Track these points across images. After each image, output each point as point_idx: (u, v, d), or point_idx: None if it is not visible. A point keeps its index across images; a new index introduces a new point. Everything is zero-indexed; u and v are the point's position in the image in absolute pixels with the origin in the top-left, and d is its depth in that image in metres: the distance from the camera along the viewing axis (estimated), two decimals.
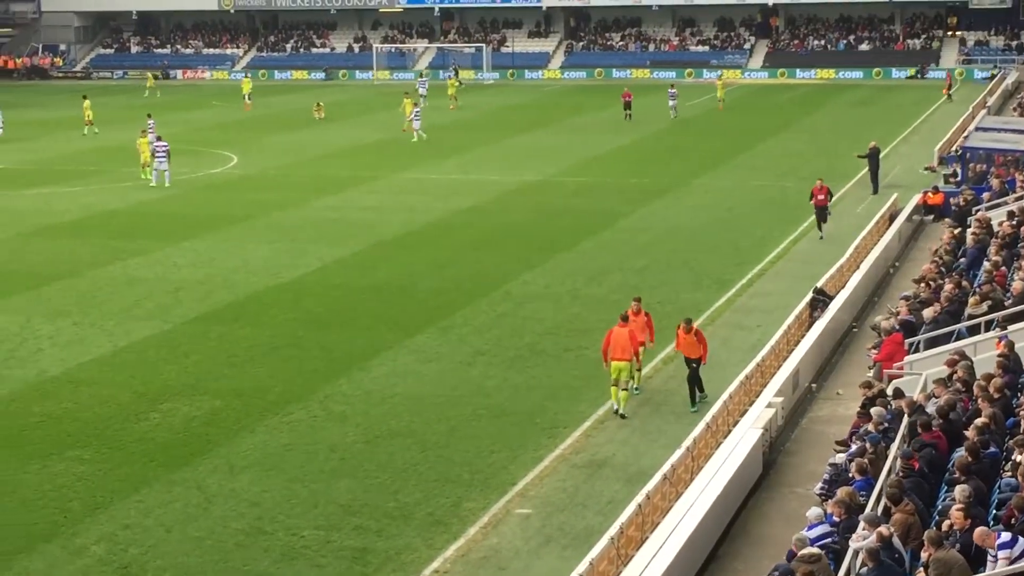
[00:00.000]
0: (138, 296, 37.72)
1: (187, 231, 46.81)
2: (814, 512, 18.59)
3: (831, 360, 30.70)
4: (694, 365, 27.40)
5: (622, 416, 27.00)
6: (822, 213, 43.75)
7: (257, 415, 27.52)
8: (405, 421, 27.02)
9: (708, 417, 24.19)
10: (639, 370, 28.42)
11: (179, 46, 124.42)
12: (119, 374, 30.59)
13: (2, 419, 27.65)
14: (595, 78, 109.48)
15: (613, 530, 19.17)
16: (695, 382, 27.49)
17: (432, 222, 48.16)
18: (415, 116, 71.30)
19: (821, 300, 32.66)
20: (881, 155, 53.99)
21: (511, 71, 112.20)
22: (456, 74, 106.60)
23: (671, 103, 78.79)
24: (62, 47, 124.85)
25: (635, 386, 28.12)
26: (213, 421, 27.24)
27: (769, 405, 25.09)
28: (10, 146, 71.86)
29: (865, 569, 15.83)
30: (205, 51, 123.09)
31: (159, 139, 58.12)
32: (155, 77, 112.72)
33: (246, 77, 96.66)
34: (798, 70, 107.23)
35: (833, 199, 44.74)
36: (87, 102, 77.11)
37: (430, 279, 39.33)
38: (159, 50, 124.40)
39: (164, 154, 56.46)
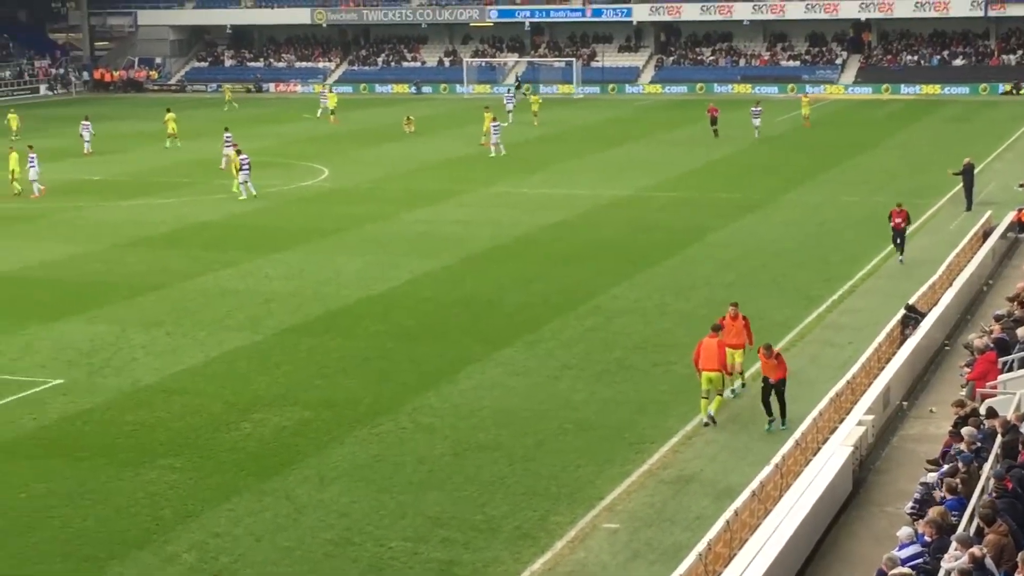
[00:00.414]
0: (230, 307, 38.12)
1: (279, 243, 47.24)
2: (905, 532, 18.42)
3: (923, 378, 30.39)
4: (779, 387, 27.19)
5: (713, 421, 27.26)
6: (900, 237, 42.80)
7: (347, 426, 27.72)
8: (493, 434, 27.09)
9: (797, 434, 24.04)
10: (741, 373, 29.30)
11: (272, 59, 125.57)
12: (211, 384, 30.94)
13: (97, 427, 28.05)
14: (686, 93, 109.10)
15: (701, 546, 19.10)
16: (778, 404, 27.30)
17: (521, 236, 48.25)
18: (494, 130, 71.41)
19: (913, 317, 32.36)
20: (975, 171, 53.38)
21: (607, 85, 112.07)
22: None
23: (755, 121, 77.05)
24: (157, 60, 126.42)
25: (740, 383, 29.28)
26: (303, 432, 27.46)
27: (859, 423, 24.88)
28: (105, 158, 72.89)
29: None
30: (297, 64, 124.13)
31: (239, 152, 58.68)
32: (248, 90, 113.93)
33: (331, 92, 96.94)
34: (891, 85, 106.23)
35: (912, 224, 43.90)
36: (171, 115, 77.94)
37: (518, 293, 39.42)
38: (252, 63, 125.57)
39: (246, 167, 57.07)
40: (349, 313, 37.35)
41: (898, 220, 42.55)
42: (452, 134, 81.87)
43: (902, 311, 32.82)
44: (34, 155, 59.71)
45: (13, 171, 59.55)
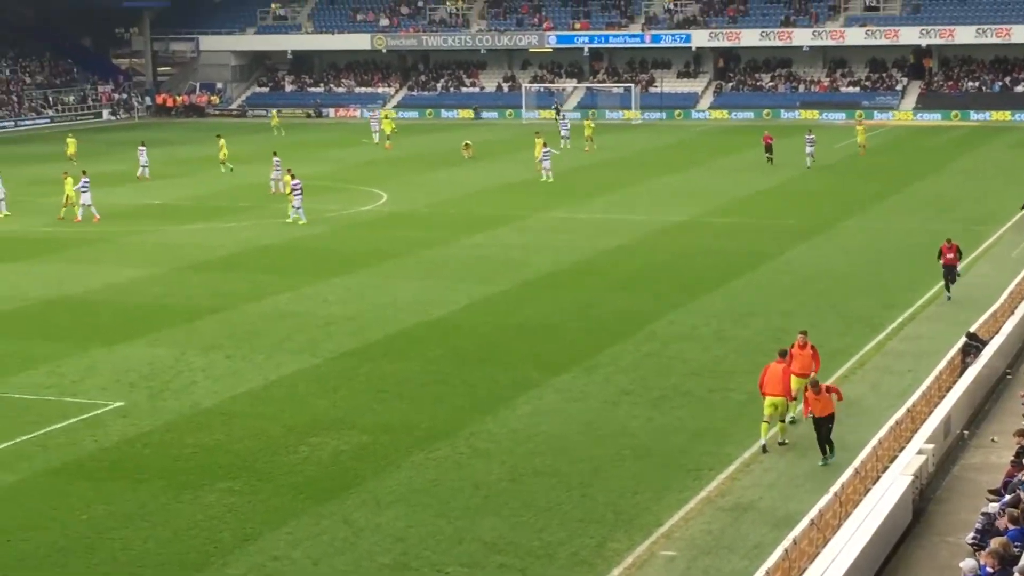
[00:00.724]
0: (289, 330, 38.32)
1: (338, 267, 47.47)
2: (968, 564, 18.25)
3: (984, 407, 30.12)
4: (826, 423, 26.65)
5: (782, 444, 27.69)
6: (950, 273, 40.99)
7: (404, 450, 27.78)
8: (550, 460, 27.07)
9: (856, 463, 23.87)
10: (795, 399, 28.91)
11: (332, 85, 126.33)
12: (269, 407, 31.11)
13: (157, 449, 28.25)
14: (747, 119, 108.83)
15: (759, 575, 19.00)
16: (826, 440, 26.85)
17: (578, 261, 48.27)
18: (544, 156, 71.40)
19: (974, 345, 32.10)
20: None
21: (667, 110, 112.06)
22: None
23: (808, 149, 75.38)
24: (219, 85, 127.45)
25: (792, 416, 28.76)
26: (361, 455, 27.55)
27: (920, 452, 24.69)
28: (166, 182, 73.50)
29: None
30: (357, 90, 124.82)
31: (292, 176, 58.91)
32: (308, 115, 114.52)
33: (386, 117, 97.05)
34: (952, 111, 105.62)
35: (975, 251, 43.05)
36: (222, 141, 78.42)
37: (576, 318, 39.41)
38: (312, 88, 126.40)
39: (299, 192, 57.47)
40: (407, 337, 37.46)
41: (949, 256, 40.81)
42: (510, 159, 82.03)
43: (963, 339, 32.57)
44: (87, 180, 60.16)
45: (68, 196, 60.10)
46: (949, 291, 41.10)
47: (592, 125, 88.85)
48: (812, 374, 28.77)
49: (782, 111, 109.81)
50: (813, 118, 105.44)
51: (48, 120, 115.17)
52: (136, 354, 35.98)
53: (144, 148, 76.53)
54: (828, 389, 26.74)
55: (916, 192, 65.11)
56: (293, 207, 57.58)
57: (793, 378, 28.23)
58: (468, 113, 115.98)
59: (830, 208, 59.87)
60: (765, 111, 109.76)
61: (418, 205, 63.26)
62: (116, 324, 39.56)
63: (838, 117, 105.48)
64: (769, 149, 76.82)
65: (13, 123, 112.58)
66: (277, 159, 68.05)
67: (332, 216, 59.78)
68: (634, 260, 48.50)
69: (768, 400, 27.38)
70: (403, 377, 33.39)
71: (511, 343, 36.75)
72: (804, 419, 27.73)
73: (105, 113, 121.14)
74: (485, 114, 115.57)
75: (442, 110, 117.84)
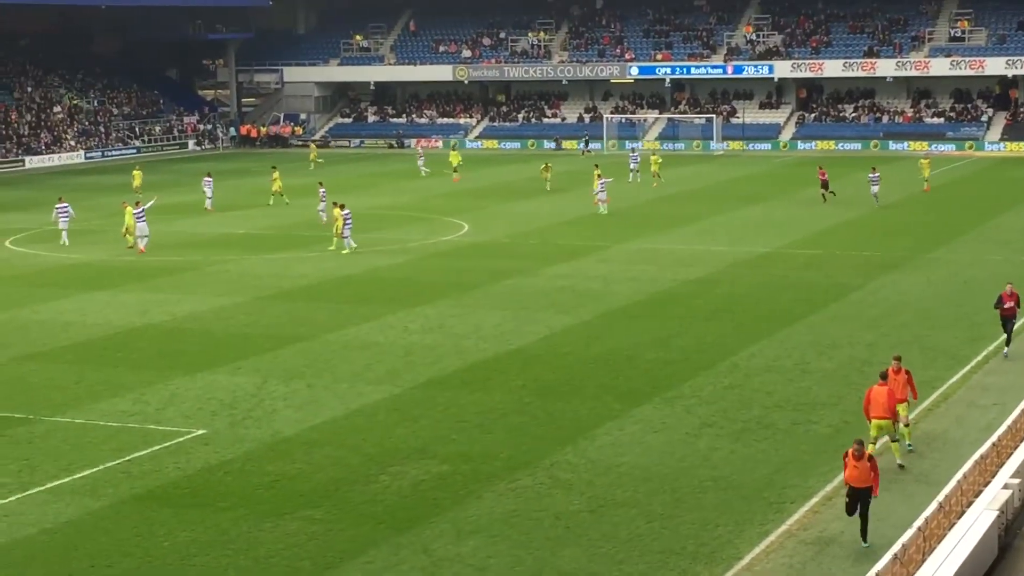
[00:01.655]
0: (369, 360, 38.49)
1: (419, 297, 47.65)
2: None
3: None
4: (865, 498, 24.13)
5: (900, 467, 27.97)
6: (1008, 325, 37.14)
7: (484, 481, 27.78)
8: (630, 491, 26.97)
9: (941, 497, 23.56)
10: (907, 425, 29.12)
11: (414, 115, 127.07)
12: (350, 436, 31.23)
13: (238, 477, 28.43)
14: (829, 150, 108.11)
15: None
16: (865, 518, 24.32)
17: (659, 292, 48.15)
18: (601, 188, 70.97)
19: None
20: None
21: (748, 141, 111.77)
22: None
23: (873, 189, 71.62)
24: (302, 116, 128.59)
25: (908, 443, 29.00)
26: (441, 485, 27.57)
27: (1006, 486, 24.34)
28: (250, 212, 74.22)
29: None
30: (439, 120, 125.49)
31: (342, 207, 59.12)
32: (390, 145, 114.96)
33: (454, 150, 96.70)
34: None
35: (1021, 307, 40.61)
36: (276, 172, 78.60)
37: (656, 349, 39.28)
38: (395, 119, 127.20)
39: (349, 221, 58.30)
40: (487, 367, 37.50)
41: (1009, 304, 36.87)
42: (590, 189, 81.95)
43: None
44: (142, 209, 60.50)
45: (128, 227, 60.73)
46: (1008, 346, 37.42)
47: (659, 160, 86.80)
48: (913, 398, 29.18)
49: (865, 143, 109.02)
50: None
51: (135, 151, 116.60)
52: (218, 382, 36.28)
53: (211, 179, 77.09)
54: (871, 460, 24.30)
55: (1003, 224, 64.37)
56: (343, 237, 58.10)
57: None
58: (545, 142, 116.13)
59: (915, 239, 59.35)
60: (849, 141, 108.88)
61: (499, 235, 63.40)
62: (199, 352, 39.92)
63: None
64: (826, 185, 73.48)
65: (101, 153, 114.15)
66: (323, 190, 68.51)
67: (414, 246, 60.04)
68: (716, 291, 48.30)
69: (874, 423, 27.86)
70: (483, 407, 33.41)
71: (591, 374, 36.69)
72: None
73: (191, 144, 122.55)
74: (567, 143, 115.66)
75: (517, 141, 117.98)
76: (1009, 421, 28.41)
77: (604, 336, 41.23)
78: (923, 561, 21.19)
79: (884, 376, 28.39)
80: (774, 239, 60.09)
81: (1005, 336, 37.43)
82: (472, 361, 38.18)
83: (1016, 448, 26.92)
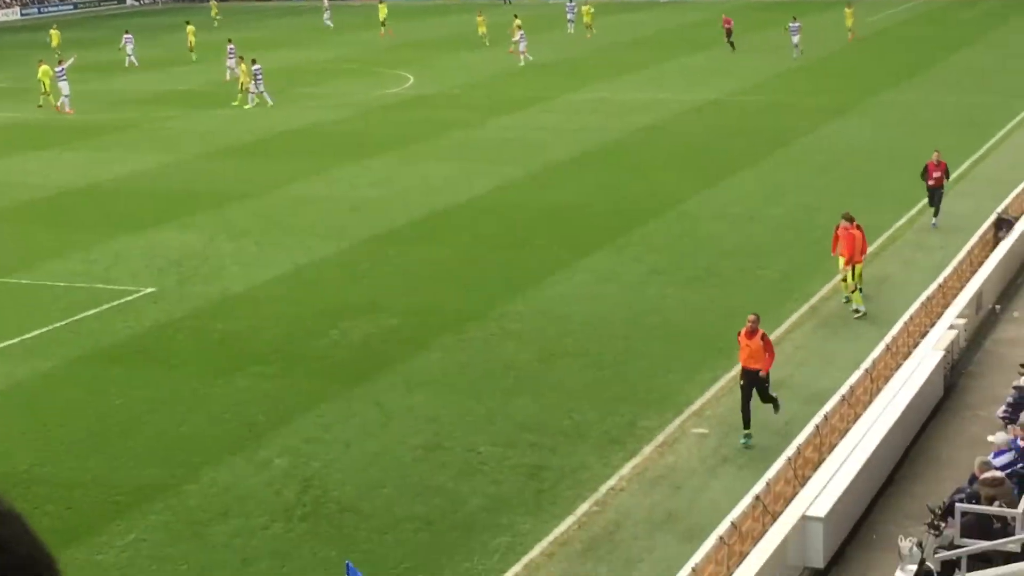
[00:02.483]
0: (317, 215, 38.31)
1: (365, 151, 47.33)
2: (1001, 438, 18.23)
3: (1016, 281, 29.99)
4: (761, 383, 22.14)
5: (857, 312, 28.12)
6: (936, 196, 34.59)
7: (434, 333, 27.83)
8: (580, 340, 27.09)
9: (888, 338, 23.82)
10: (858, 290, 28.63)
11: None
12: (299, 292, 31.16)
13: (188, 335, 28.38)
14: None
15: (790, 451, 19.05)
16: (761, 398, 22.21)
17: (608, 142, 47.97)
18: (520, 38, 70.14)
19: (1006, 220, 31.89)
20: None
21: None
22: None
23: (794, 39, 68.61)
24: None
25: (856, 307, 28.50)
26: (391, 339, 27.61)
27: (951, 327, 24.63)
28: (194, 67, 73.23)
29: None
30: None
31: (253, 62, 58.71)
32: None
33: (382, 3, 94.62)
34: None
35: (1007, 125, 40.35)
36: (190, 27, 78.08)
37: (605, 198, 39.24)
38: None
39: (259, 76, 58.41)
40: (436, 220, 37.39)
41: (936, 175, 34.39)
42: (535, 40, 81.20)
43: (994, 215, 32.33)
44: (62, 68, 59.74)
45: (43, 82, 59.94)
46: (936, 216, 34.89)
47: (591, 11, 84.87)
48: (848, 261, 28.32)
49: None
50: None
51: (72, 7, 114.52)
52: (166, 240, 36.06)
53: (130, 36, 76.04)
54: (764, 338, 22.17)
55: (950, 66, 64.26)
56: (251, 93, 57.90)
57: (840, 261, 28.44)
58: None
59: (863, 83, 59.20)
60: None
61: (444, 87, 62.86)
62: (145, 211, 39.61)
63: None
64: (729, 34, 71.91)
65: (37, 10, 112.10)
66: (231, 46, 67.70)
67: (358, 99, 59.48)
68: (664, 140, 48.18)
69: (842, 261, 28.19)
70: (432, 260, 33.38)
71: (540, 225, 36.65)
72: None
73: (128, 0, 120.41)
74: None
75: None
76: (955, 263, 28.66)
77: (553, 187, 41.13)
78: (870, 402, 21.46)
79: (848, 218, 28.23)
80: (722, 86, 59.83)
81: (932, 206, 34.84)
82: (420, 214, 38.06)
83: (961, 289, 27.19)
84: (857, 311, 28.27)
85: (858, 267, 28.34)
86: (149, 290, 31.58)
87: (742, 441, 21.85)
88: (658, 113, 53.18)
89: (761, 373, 22.01)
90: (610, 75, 64.84)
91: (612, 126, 50.72)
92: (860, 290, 28.51)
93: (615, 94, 59.02)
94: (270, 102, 58.17)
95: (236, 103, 58.68)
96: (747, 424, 21.88)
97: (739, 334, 22.41)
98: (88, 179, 44.59)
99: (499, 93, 60.43)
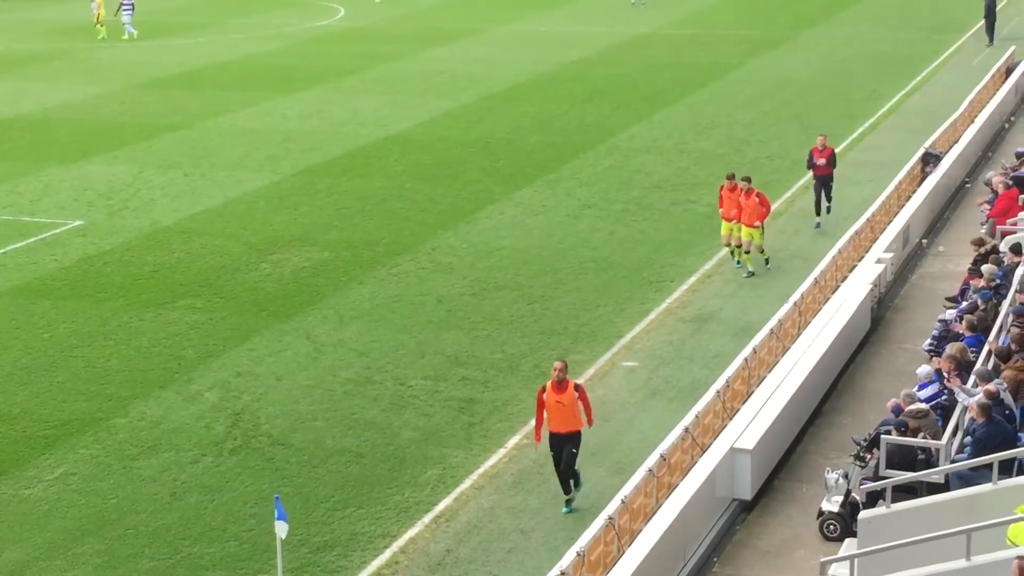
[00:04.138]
0: (247, 147, 38.02)
1: (295, 83, 46.98)
2: (924, 370, 18.48)
3: (943, 216, 30.29)
4: (570, 443, 17.75)
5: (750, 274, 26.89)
6: (824, 187, 29.75)
7: (365, 266, 27.77)
8: (511, 274, 27.13)
9: (816, 272, 24.03)
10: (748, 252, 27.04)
11: None
12: (229, 225, 30.97)
13: (117, 268, 28.15)
14: None
15: (719, 383, 19.21)
16: (560, 474, 17.97)
17: (539, 74, 47.85)
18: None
19: (933, 155, 32.15)
20: (998, 7, 52.56)
21: None
22: None
23: None
24: None
25: (750, 268, 26.92)
26: (322, 272, 27.53)
27: (878, 261, 24.86)
28: None
29: (976, 424, 15.73)
30: None
31: None
32: None
33: None
34: None
35: (937, 59, 38.43)
36: None
37: (537, 132, 39.20)
38: None
39: (130, 8, 58.09)
40: (367, 153, 37.23)
41: (821, 161, 29.46)
42: None
43: (922, 150, 32.58)
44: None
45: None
46: (819, 214, 29.90)
47: None
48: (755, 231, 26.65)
49: None
50: None
51: None
52: (94, 172, 35.68)
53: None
54: (579, 390, 17.99)
55: (879, 1, 64.46)
56: (124, 22, 57.75)
57: (744, 229, 26.66)
58: None
59: (793, 17, 59.33)
60: None
61: (375, 19, 62.41)
62: (73, 142, 39.15)
63: None
64: None
65: None
66: None
67: (289, 31, 58.93)
68: (595, 73, 48.09)
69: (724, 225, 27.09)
70: (363, 193, 33.25)
71: (471, 158, 36.57)
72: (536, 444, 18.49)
73: None
74: None
75: None
76: (883, 197, 28.89)
77: (484, 120, 41.03)
78: (798, 335, 21.67)
79: (731, 177, 27.04)
80: (653, 19, 59.78)
81: (816, 202, 29.85)
82: (351, 147, 37.87)
83: (889, 223, 27.43)
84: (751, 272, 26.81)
85: (755, 231, 26.57)
86: (77, 223, 31.27)
87: (564, 510, 17.81)
88: (589, 46, 53.07)
89: (586, 424, 17.86)
90: (542, 6, 64.59)
91: (543, 59, 50.58)
92: (762, 252, 26.94)
93: (548, 26, 58.83)
94: (132, 33, 57.63)
95: (102, 36, 57.65)
96: (567, 489, 17.89)
97: (540, 389, 17.90)
98: (15, 110, 44.00)
99: (430, 25, 60.06)
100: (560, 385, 17.65)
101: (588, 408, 17.96)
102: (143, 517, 17.91)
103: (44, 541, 17.41)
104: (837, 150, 33.90)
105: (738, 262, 27.20)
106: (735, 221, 26.82)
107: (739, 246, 27.00)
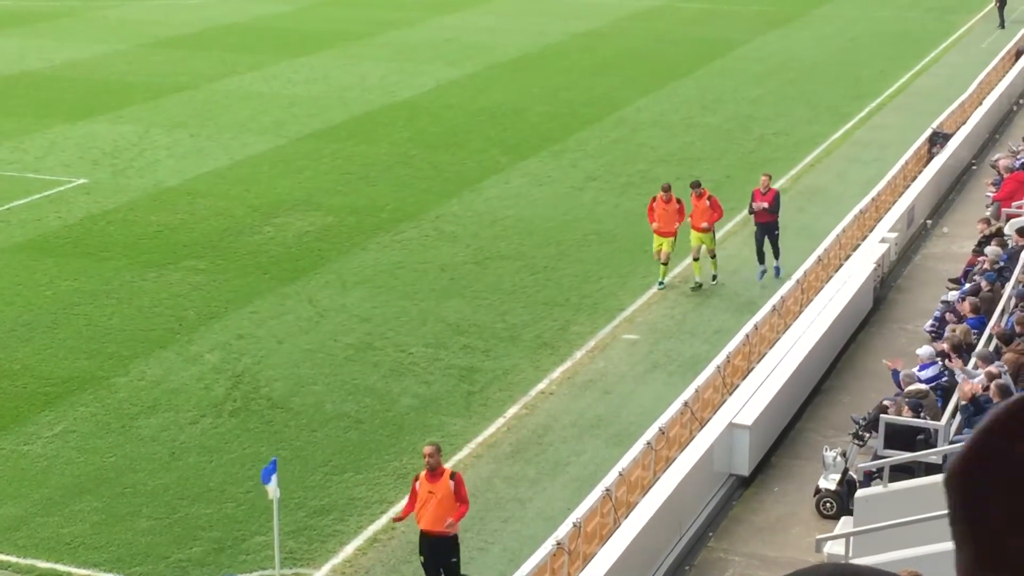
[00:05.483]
0: (254, 110, 37.97)
1: (303, 47, 46.87)
2: (926, 351, 18.47)
3: (948, 197, 30.26)
4: (452, 558, 15.09)
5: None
6: (767, 235, 25.23)
7: (369, 232, 27.76)
8: (515, 243, 27.11)
9: (820, 250, 24.01)
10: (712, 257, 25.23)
11: None
12: (234, 187, 30.95)
13: (121, 227, 28.14)
14: None
15: (720, 359, 19.22)
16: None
17: (548, 45, 47.75)
18: None
19: (941, 135, 32.11)
20: None
21: None
22: None
23: None
24: None
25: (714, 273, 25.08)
26: (325, 236, 27.52)
27: (882, 240, 24.84)
28: None
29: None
30: None
31: None
32: None
33: None
34: None
35: (945, 40, 37.26)
36: None
37: (544, 103, 39.13)
38: None
39: None
40: (373, 119, 37.17)
41: (762, 206, 25.04)
42: None
43: (929, 130, 32.54)
44: None
45: None
46: (763, 262, 25.34)
47: None
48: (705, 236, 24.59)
49: None
50: None
51: None
52: (99, 131, 35.64)
53: None
54: (454, 478, 15.05)
55: None
56: None
57: (693, 234, 24.60)
58: None
59: None
60: None
61: None
62: (79, 101, 39.09)
63: None
64: None
65: None
66: None
67: None
68: (604, 45, 48.00)
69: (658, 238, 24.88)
70: (368, 159, 33.22)
71: (478, 127, 36.53)
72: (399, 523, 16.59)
73: None
74: None
75: None
76: (888, 177, 28.87)
77: (491, 89, 40.95)
78: (800, 312, 21.67)
79: (695, 185, 24.93)
80: None
81: (758, 251, 25.37)
82: (357, 113, 37.81)
83: (894, 203, 27.40)
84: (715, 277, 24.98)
85: (704, 235, 24.51)
86: (81, 181, 31.25)
87: None
88: (599, 18, 52.93)
89: (450, 525, 14.70)
90: None
91: (553, 29, 50.47)
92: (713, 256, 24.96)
93: None
94: None
95: None
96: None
97: (415, 478, 15.19)
98: (22, 66, 43.92)
99: None
100: (433, 473, 14.72)
101: (464, 502, 14.83)
102: (141, 476, 17.95)
103: (42, 497, 17.45)
104: (843, 129, 33.72)
105: (661, 282, 24.70)
106: (668, 236, 24.44)
107: (665, 263, 24.64)
